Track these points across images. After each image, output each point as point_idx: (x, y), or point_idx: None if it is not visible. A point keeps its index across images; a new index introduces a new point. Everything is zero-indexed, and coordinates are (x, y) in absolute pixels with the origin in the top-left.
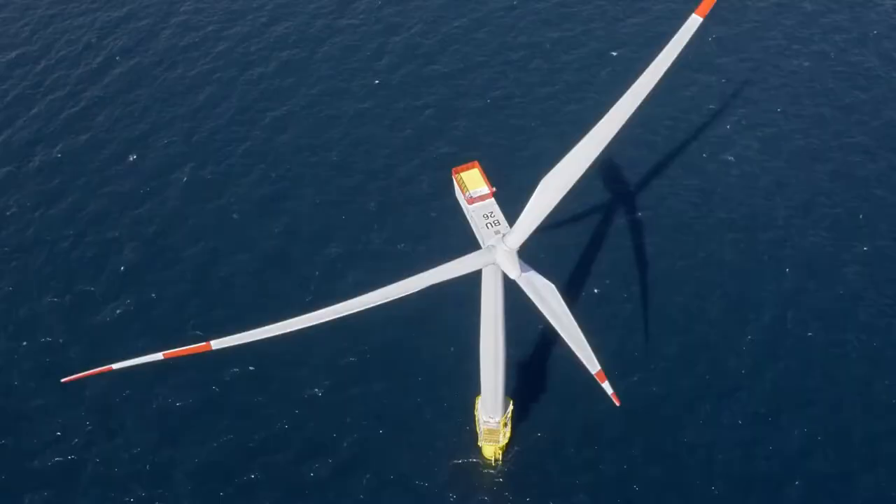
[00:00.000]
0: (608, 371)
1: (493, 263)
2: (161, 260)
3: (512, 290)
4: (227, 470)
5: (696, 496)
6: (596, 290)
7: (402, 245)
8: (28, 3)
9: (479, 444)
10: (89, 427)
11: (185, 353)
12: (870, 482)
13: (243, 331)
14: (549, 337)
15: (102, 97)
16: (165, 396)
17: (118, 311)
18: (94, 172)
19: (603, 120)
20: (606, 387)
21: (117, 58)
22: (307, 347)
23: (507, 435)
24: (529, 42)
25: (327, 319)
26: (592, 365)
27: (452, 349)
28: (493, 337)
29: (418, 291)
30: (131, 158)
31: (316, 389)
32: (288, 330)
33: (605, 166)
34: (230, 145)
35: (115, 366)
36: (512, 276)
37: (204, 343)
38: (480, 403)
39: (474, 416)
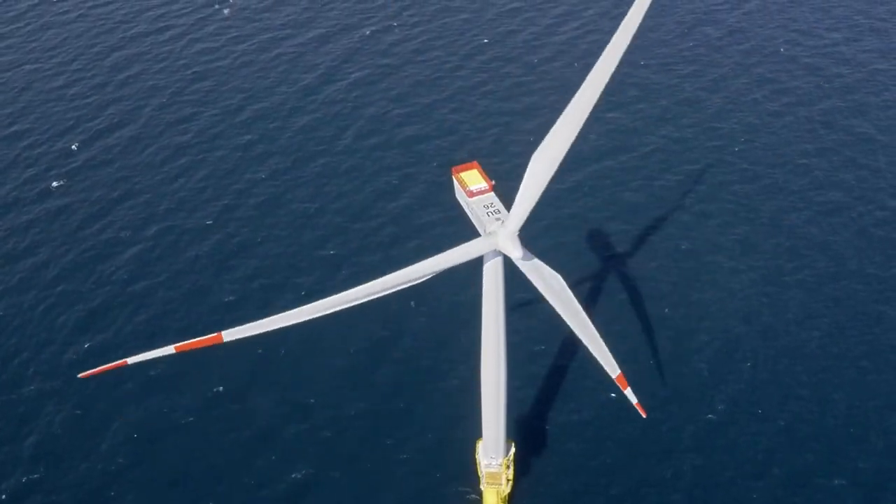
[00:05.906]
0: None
1: (496, 249)
2: None
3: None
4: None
5: None
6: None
7: None
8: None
9: (481, 488)
10: None
11: (197, 346)
12: None
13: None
14: (555, 378)
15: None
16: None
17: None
18: None
19: (582, 87)
20: (629, 394)
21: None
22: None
23: (510, 479)
24: None
25: (333, 310)
26: (612, 368)
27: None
28: (493, 340)
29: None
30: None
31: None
32: (296, 321)
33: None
34: None
35: (130, 360)
36: (515, 256)
37: (215, 334)
38: (481, 446)
39: (475, 459)
